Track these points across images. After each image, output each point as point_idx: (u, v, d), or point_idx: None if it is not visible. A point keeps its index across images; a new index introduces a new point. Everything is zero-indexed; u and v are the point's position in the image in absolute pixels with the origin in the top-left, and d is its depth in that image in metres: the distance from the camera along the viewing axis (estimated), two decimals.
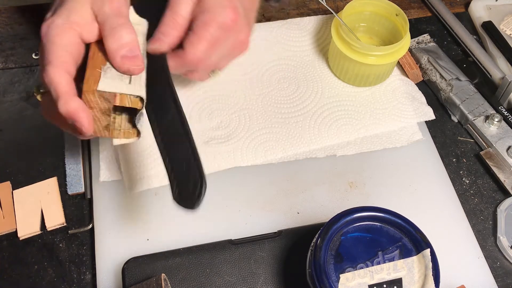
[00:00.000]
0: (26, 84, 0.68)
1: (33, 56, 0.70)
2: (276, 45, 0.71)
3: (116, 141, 0.49)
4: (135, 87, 0.47)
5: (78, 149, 0.61)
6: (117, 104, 0.46)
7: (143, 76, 0.48)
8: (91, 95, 0.45)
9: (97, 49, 0.47)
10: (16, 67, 0.70)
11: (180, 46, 0.51)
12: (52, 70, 0.44)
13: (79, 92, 0.45)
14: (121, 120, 0.49)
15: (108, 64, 0.46)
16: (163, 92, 0.48)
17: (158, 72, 0.49)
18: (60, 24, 0.45)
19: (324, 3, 0.66)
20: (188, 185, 0.44)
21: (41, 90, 0.48)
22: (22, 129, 0.64)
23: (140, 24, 0.51)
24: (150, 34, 0.50)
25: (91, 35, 0.47)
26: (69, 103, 0.43)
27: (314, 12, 0.78)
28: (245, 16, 0.52)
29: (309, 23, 0.74)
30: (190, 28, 0.50)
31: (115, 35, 0.46)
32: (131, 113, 0.48)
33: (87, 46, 0.48)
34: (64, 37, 0.45)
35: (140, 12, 0.51)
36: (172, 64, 0.50)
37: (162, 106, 0.48)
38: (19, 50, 0.71)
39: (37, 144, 0.63)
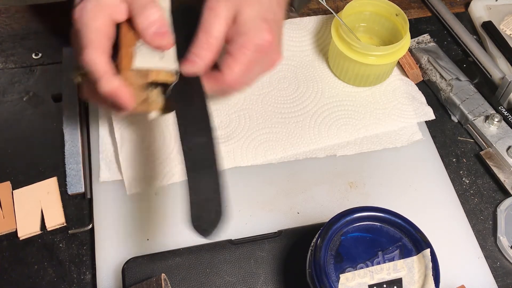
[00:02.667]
0: (26, 84, 0.68)
1: (33, 56, 0.70)
2: None
3: (152, 115, 0.53)
4: (167, 62, 0.50)
5: (78, 149, 0.61)
6: (153, 79, 0.49)
7: (172, 51, 0.51)
8: (128, 73, 0.48)
9: (127, 28, 0.49)
10: (16, 67, 0.70)
11: (213, 67, 0.51)
12: (90, 52, 0.46)
13: (118, 71, 0.47)
14: (157, 94, 0.52)
15: (139, 42, 0.49)
16: (199, 115, 0.49)
17: (195, 92, 0.50)
18: (91, 8, 0.47)
19: (324, 3, 0.66)
20: (209, 214, 0.44)
21: (80, 72, 0.50)
22: (22, 129, 0.64)
23: (164, 1, 0.53)
24: (180, 50, 0.51)
25: (121, 15, 0.49)
26: (111, 82, 0.46)
27: (314, 12, 0.78)
28: (279, 37, 0.53)
29: (309, 23, 0.74)
30: (226, 50, 0.50)
31: (144, 13, 0.48)
32: (164, 87, 0.51)
33: (118, 26, 0.50)
34: (97, 20, 0.47)
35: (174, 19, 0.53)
36: (208, 86, 0.51)
37: (195, 123, 0.48)
38: (19, 50, 0.71)
39: (37, 144, 0.63)
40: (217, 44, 0.50)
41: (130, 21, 0.49)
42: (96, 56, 0.46)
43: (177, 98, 0.50)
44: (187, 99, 0.50)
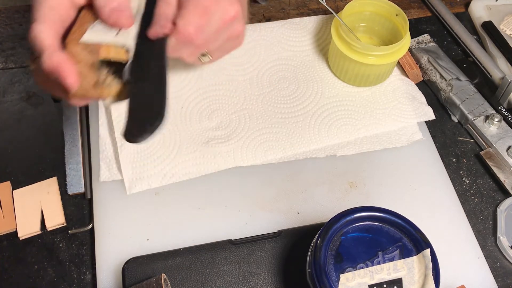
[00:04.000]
0: (26, 84, 0.68)
1: None
2: (276, 45, 0.71)
3: (107, 102, 0.48)
4: (122, 38, 0.46)
5: (78, 149, 0.61)
6: (103, 56, 0.45)
7: (132, 31, 0.47)
8: (74, 47, 0.44)
9: (87, 11, 0.47)
10: (16, 67, 0.70)
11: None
12: (37, 26, 0.43)
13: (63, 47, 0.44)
14: (111, 80, 0.48)
15: (97, 21, 0.46)
16: (154, 64, 0.47)
17: (155, 53, 0.48)
18: None
19: (324, 3, 0.66)
20: (142, 119, 0.42)
21: (34, 58, 0.46)
22: (22, 129, 0.64)
23: None
24: (147, 15, 0.49)
25: None
26: (53, 57, 0.43)
27: (314, 12, 0.78)
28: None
29: (309, 23, 0.74)
30: (179, 6, 0.49)
31: None
32: (120, 69, 0.47)
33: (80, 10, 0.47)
34: None
35: None
36: (170, 45, 0.49)
37: (147, 69, 0.46)
38: (19, 50, 0.71)
39: (37, 144, 0.63)
40: (176, 2, 0.49)
41: (91, 6, 0.47)
42: (42, 30, 0.43)
43: (133, 78, 0.47)
44: (142, 79, 0.46)
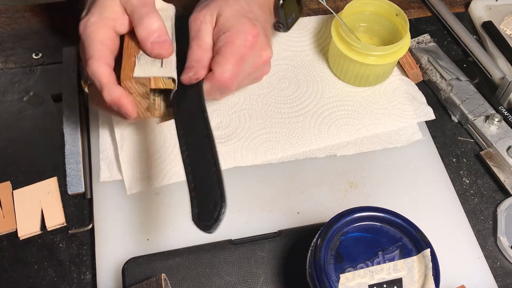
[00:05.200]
0: (26, 84, 0.68)
1: (33, 56, 0.70)
2: (276, 45, 0.71)
3: (159, 121, 0.56)
4: (166, 70, 0.51)
5: (78, 149, 0.61)
6: (153, 87, 0.50)
7: (173, 58, 0.52)
8: (128, 82, 0.50)
9: (130, 39, 0.52)
10: (16, 67, 0.70)
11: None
12: (94, 63, 0.49)
13: (119, 81, 0.50)
14: (160, 100, 0.54)
15: (141, 51, 0.51)
16: (195, 112, 0.50)
17: (193, 95, 0.51)
18: (95, 21, 0.50)
19: (324, 3, 0.66)
20: (208, 207, 0.44)
21: (88, 82, 0.52)
22: (22, 129, 0.64)
23: (167, 10, 0.55)
24: (181, 58, 0.53)
25: (124, 27, 0.51)
26: (112, 92, 0.49)
27: (314, 12, 0.78)
28: (264, 34, 0.54)
29: (309, 23, 0.74)
30: (215, 50, 0.52)
31: (143, 23, 0.50)
32: (167, 94, 0.53)
33: (122, 37, 0.52)
34: (100, 33, 0.50)
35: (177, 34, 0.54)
36: (205, 89, 0.52)
37: (192, 124, 0.49)
38: (19, 50, 0.71)
39: (37, 144, 0.63)
40: (210, 47, 0.52)
41: (133, 32, 0.51)
42: (99, 67, 0.49)
43: (176, 104, 0.52)
44: (185, 105, 0.51)
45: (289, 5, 0.59)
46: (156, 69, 0.51)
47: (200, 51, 0.52)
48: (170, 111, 0.54)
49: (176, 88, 0.51)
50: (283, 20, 0.60)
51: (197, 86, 0.51)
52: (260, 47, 0.53)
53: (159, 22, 0.50)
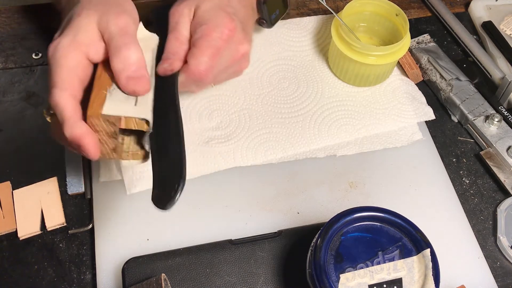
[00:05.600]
0: (26, 84, 0.68)
1: (33, 56, 0.70)
2: (276, 45, 0.71)
3: (125, 163, 0.49)
4: (141, 109, 0.46)
5: None
6: (123, 127, 0.45)
7: (150, 96, 0.47)
8: (95, 119, 0.44)
9: (104, 69, 0.46)
10: (16, 67, 0.70)
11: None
12: (57, 93, 0.43)
13: (85, 115, 0.44)
14: (129, 141, 0.48)
15: (114, 85, 0.46)
16: (167, 100, 0.48)
17: (166, 89, 0.49)
18: (66, 45, 0.45)
19: (324, 3, 0.66)
20: (166, 187, 0.44)
21: (50, 112, 0.47)
22: (22, 129, 0.64)
23: (150, 40, 0.51)
24: (160, 51, 0.51)
25: (98, 55, 0.46)
26: (74, 128, 0.43)
27: (314, 12, 0.78)
28: (243, 28, 0.53)
29: (309, 23, 0.74)
30: (191, 43, 0.51)
31: (120, 54, 0.45)
32: (139, 134, 0.48)
33: (96, 65, 0.47)
34: (70, 59, 0.44)
35: (156, 25, 0.52)
36: (180, 81, 0.51)
37: (163, 111, 0.48)
38: (19, 50, 0.71)
39: (37, 144, 0.63)
40: (186, 40, 0.51)
41: (108, 62, 0.46)
42: (63, 99, 0.43)
43: (153, 146, 0.47)
44: (159, 95, 0.48)
45: (273, 1, 0.59)
46: (129, 108, 0.45)
47: (176, 43, 0.51)
48: (140, 153, 0.49)
49: (151, 130, 0.46)
50: (266, 16, 0.60)
51: (172, 78, 0.50)
52: (237, 40, 0.52)
53: (138, 55, 0.46)
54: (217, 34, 0.50)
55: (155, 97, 0.48)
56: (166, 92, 0.49)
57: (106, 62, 0.46)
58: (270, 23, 0.61)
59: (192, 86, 0.53)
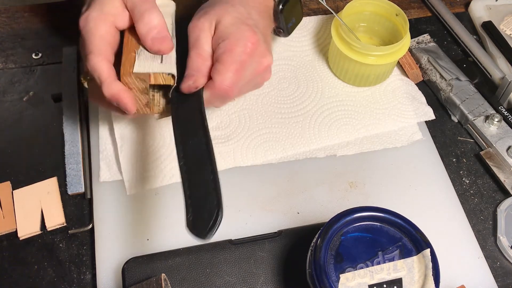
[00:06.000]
0: (26, 84, 0.68)
1: (33, 56, 0.70)
2: (276, 45, 0.71)
3: (158, 116, 0.55)
4: (166, 66, 0.51)
5: (78, 149, 0.61)
6: (152, 83, 0.50)
7: (173, 54, 0.52)
8: (128, 78, 0.50)
9: (130, 35, 0.52)
10: (16, 67, 0.70)
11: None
12: (94, 58, 0.49)
13: (119, 76, 0.50)
14: (159, 96, 0.54)
15: (141, 47, 0.51)
16: (195, 119, 0.50)
17: (193, 108, 0.51)
18: (95, 16, 0.50)
19: (324, 3, 0.66)
20: (203, 214, 0.43)
21: (87, 78, 0.52)
22: (22, 129, 0.64)
23: (168, 6, 0.55)
24: (180, 55, 0.53)
25: (124, 23, 0.51)
26: (112, 87, 0.49)
27: (314, 12, 0.78)
28: (264, 40, 0.53)
29: (309, 23, 0.74)
30: (214, 58, 0.51)
31: (143, 19, 0.50)
32: (166, 90, 0.53)
33: (122, 33, 0.52)
34: (100, 28, 0.49)
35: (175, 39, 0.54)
36: (205, 97, 0.52)
37: (191, 130, 0.49)
38: (19, 50, 0.71)
39: (37, 144, 0.63)
40: (209, 56, 0.52)
41: (133, 27, 0.51)
42: (99, 62, 0.48)
43: (174, 102, 0.52)
44: (184, 113, 0.51)
45: (289, 10, 0.59)
46: (156, 65, 0.50)
47: (199, 60, 0.51)
48: (169, 108, 0.53)
49: (175, 84, 0.51)
50: (283, 25, 0.59)
51: (197, 95, 0.51)
52: (260, 53, 0.52)
53: (160, 18, 0.50)
54: (241, 49, 0.50)
55: (181, 112, 0.51)
56: (194, 112, 0.50)
57: (132, 29, 0.51)
58: (287, 32, 0.61)
59: (216, 101, 0.53)
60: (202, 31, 0.52)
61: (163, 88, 0.53)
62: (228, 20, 0.52)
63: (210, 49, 0.52)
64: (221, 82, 0.50)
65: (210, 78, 0.51)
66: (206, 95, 0.52)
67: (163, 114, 0.55)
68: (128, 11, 0.51)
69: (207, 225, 0.43)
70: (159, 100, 0.54)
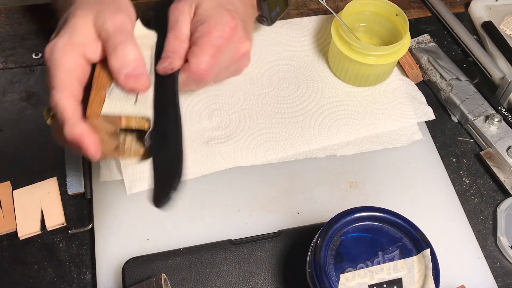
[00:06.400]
0: (26, 84, 0.68)
1: (33, 56, 0.70)
2: (276, 45, 0.71)
3: (127, 162, 0.49)
4: (140, 107, 0.46)
5: None
6: (123, 126, 0.45)
7: (150, 94, 0.47)
8: (95, 119, 0.44)
9: (102, 69, 0.46)
10: (16, 67, 0.70)
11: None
12: (57, 94, 0.43)
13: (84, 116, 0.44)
14: (131, 140, 0.48)
15: (113, 84, 0.46)
16: (167, 98, 0.48)
17: (165, 88, 0.49)
18: (62, 46, 0.44)
19: (324, 3, 0.66)
20: (165, 186, 0.43)
21: (50, 113, 0.47)
22: (22, 129, 0.64)
23: (148, 37, 0.51)
24: (160, 49, 0.50)
25: (95, 55, 0.46)
26: (74, 128, 0.43)
27: (314, 12, 0.78)
28: (244, 27, 0.53)
29: (309, 23, 0.74)
30: (192, 41, 0.51)
31: (117, 53, 0.45)
32: (140, 133, 0.47)
33: (94, 65, 0.47)
34: (68, 59, 0.44)
35: (155, 23, 0.52)
36: (180, 80, 0.50)
37: (162, 109, 0.47)
38: (19, 50, 0.71)
39: (37, 144, 0.63)
40: (186, 38, 0.50)
41: (106, 61, 0.46)
42: (63, 99, 0.43)
43: (152, 147, 0.47)
44: (159, 94, 0.47)
45: None
46: (129, 106, 0.45)
47: (176, 42, 0.50)
48: (142, 152, 0.48)
49: (151, 129, 0.46)
50: (266, 14, 0.59)
51: (172, 76, 0.49)
52: (238, 39, 0.51)
53: (136, 52, 0.45)
54: (218, 33, 0.49)
55: (154, 96, 0.47)
56: (166, 91, 0.48)
57: (104, 62, 0.46)
58: (271, 21, 0.61)
59: (192, 85, 0.52)
60: (182, 14, 0.51)
61: (135, 132, 0.48)
62: (208, 4, 0.51)
63: (188, 32, 0.51)
64: (197, 65, 0.49)
65: (186, 61, 0.50)
66: (181, 77, 0.50)
67: (136, 159, 0.48)
68: (101, 41, 0.46)
69: (166, 195, 0.42)
70: (130, 144, 0.48)
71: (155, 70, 0.49)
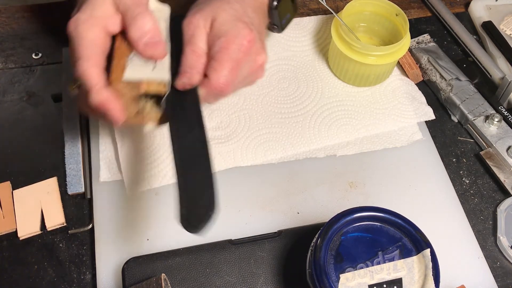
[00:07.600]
0: (26, 84, 0.68)
1: (33, 56, 0.70)
2: (276, 45, 0.71)
3: (147, 127, 0.53)
4: (159, 72, 0.49)
5: (78, 149, 0.61)
6: (144, 90, 0.48)
7: (166, 61, 0.50)
8: (118, 85, 0.47)
9: (121, 39, 0.50)
10: (16, 67, 0.70)
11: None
12: (83, 64, 0.46)
13: (108, 83, 0.47)
14: (150, 105, 0.51)
15: (132, 53, 0.49)
16: (191, 116, 0.49)
17: (189, 105, 0.50)
18: (85, 19, 0.48)
19: (324, 3, 0.66)
20: (198, 208, 0.43)
21: (77, 83, 0.49)
22: (22, 129, 0.64)
23: (162, 11, 0.53)
24: (174, 60, 0.51)
25: (115, 27, 0.49)
26: (100, 94, 0.46)
27: (314, 12, 0.78)
28: (260, 39, 0.53)
29: (309, 23, 0.74)
30: (210, 55, 0.51)
31: (136, 24, 0.48)
32: (159, 98, 0.51)
33: (114, 37, 0.50)
34: (90, 32, 0.47)
35: (169, 35, 0.53)
36: (200, 94, 0.51)
37: (187, 127, 0.48)
38: (19, 50, 0.71)
39: (37, 144, 0.63)
40: (203, 53, 0.51)
41: (124, 32, 0.49)
42: (88, 68, 0.46)
43: (170, 109, 0.50)
44: (179, 110, 0.50)
45: (283, 6, 0.58)
46: (148, 72, 0.49)
47: (194, 57, 0.51)
48: (162, 117, 0.51)
49: (168, 92, 0.50)
50: (277, 22, 0.59)
51: (193, 92, 0.50)
52: (255, 51, 0.52)
53: (153, 22, 0.49)
54: (237, 47, 0.50)
55: (178, 113, 0.50)
56: (190, 109, 0.50)
57: (123, 33, 0.49)
58: (281, 28, 0.61)
59: (211, 99, 0.53)
60: (197, 28, 0.51)
61: (154, 97, 0.51)
62: (224, 18, 0.51)
63: (205, 46, 0.51)
64: (217, 80, 0.50)
65: (205, 75, 0.51)
66: (201, 92, 0.51)
67: (155, 124, 0.52)
68: (120, 14, 0.49)
69: (201, 221, 0.43)
70: (150, 109, 0.51)
71: (174, 86, 0.50)
